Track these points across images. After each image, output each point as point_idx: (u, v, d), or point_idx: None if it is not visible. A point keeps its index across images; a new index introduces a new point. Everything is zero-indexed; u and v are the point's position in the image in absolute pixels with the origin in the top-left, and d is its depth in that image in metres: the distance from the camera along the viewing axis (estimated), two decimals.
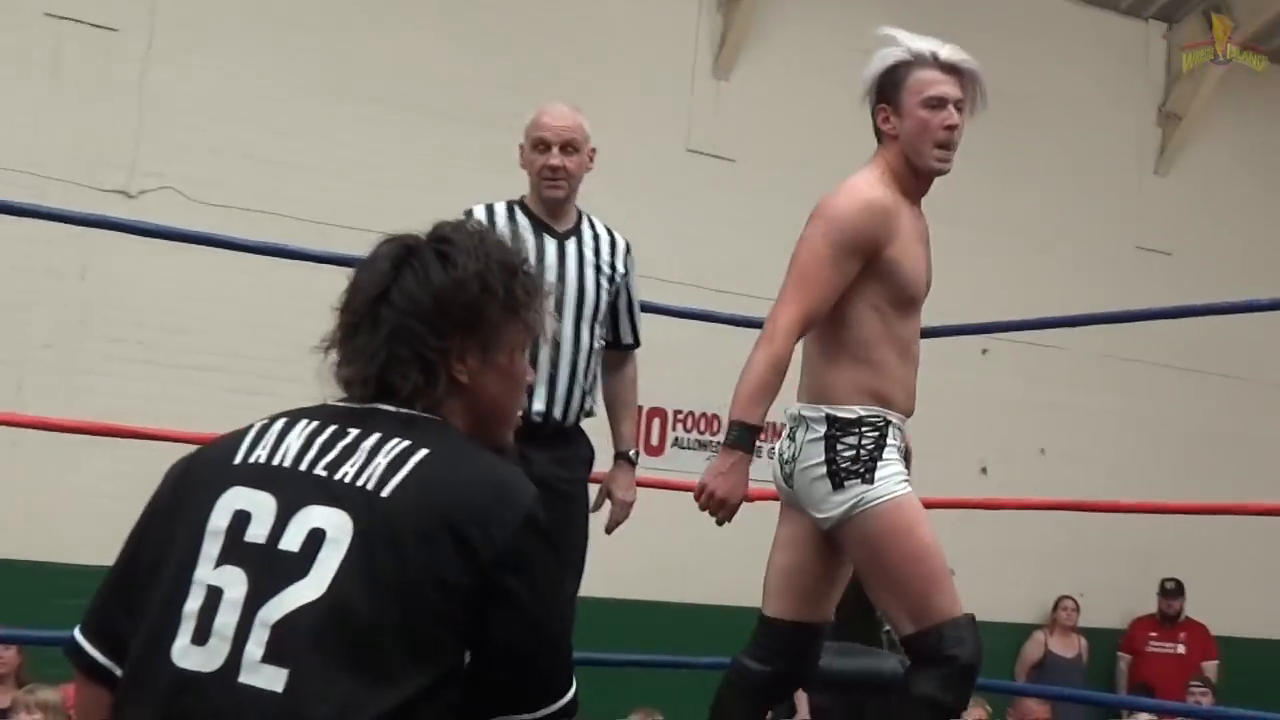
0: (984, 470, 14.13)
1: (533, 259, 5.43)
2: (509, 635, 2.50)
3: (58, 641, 7.67)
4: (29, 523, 10.63)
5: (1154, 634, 14.28)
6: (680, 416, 12.94)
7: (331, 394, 2.76)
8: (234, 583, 2.49)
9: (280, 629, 2.43)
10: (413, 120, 12.06)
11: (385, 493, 2.50)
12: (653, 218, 12.81)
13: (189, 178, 11.22)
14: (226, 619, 2.47)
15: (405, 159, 11.96)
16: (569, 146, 5.78)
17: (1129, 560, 14.38)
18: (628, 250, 5.95)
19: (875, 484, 4.64)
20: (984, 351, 13.92)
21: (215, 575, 2.51)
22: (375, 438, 2.59)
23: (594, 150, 5.92)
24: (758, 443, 4.79)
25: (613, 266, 5.82)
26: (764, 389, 4.69)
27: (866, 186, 4.71)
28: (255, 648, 2.44)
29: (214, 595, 2.49)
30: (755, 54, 13.49)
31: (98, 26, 11.12)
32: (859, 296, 4.65)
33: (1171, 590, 14.01)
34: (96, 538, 10.29)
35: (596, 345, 5.75)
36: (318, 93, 11.76)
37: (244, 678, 2.43)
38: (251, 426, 2.71)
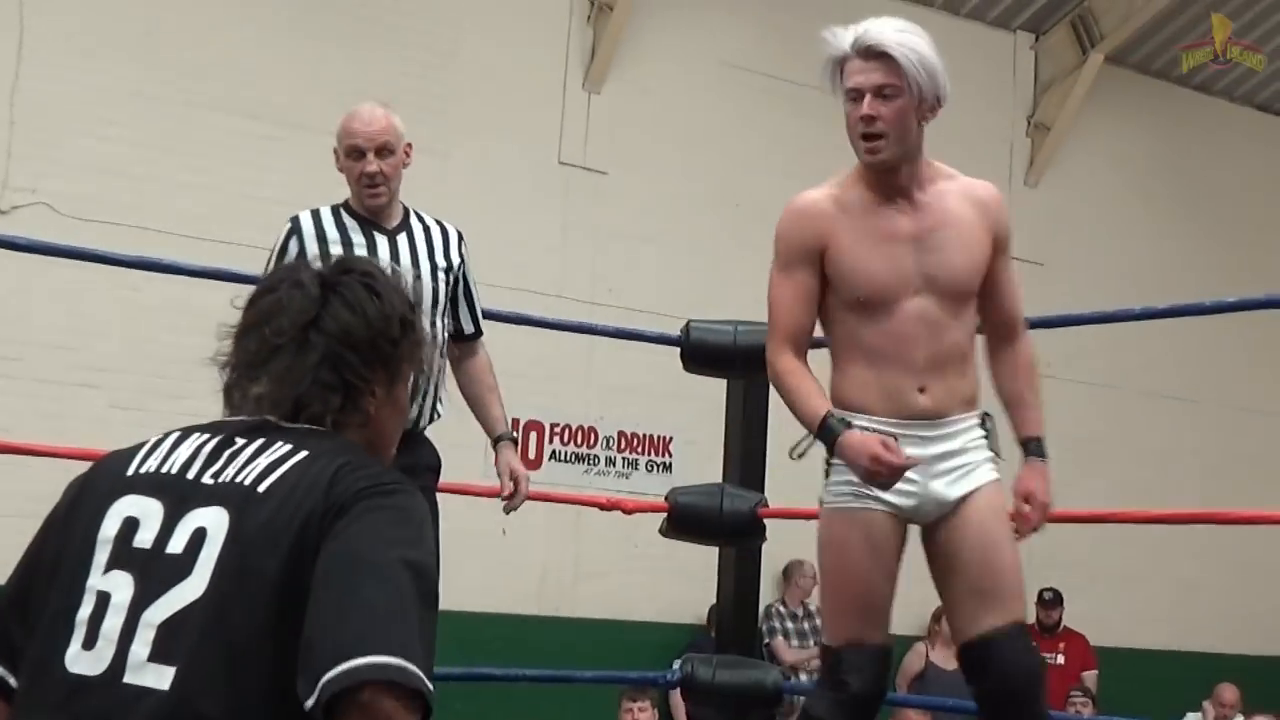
0: None
1: (362, 253, 5.50)
2: (323, 567, 2.46)
3: None
4: None
5: (1033, 644, 14.29)
6: (557, 430, 12.98)
7: (219, 410, 2.81)
8: (121, 586, 2.54)
9: (166, 628, 2.48)
10: (285, 134, 12.04)
11: (261, 488, 2.55)
12: (525, 230, 12.88)
13: (61, 193, 11.16)
14: (113, 622, 2.52)
15: (278, 174, 11.95)
16: (384, 150, 5.72)
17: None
18: (460, 239, 5.90)
19: (825, 489, 4.61)
20: None
21: (104, 581, 2.56)
22: (260, 442, 2.64)
23: (409, 145, 5.84)
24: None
25: (448, 258, 5.78)
26: (793, 395, 4.65)
27: (808, 193, 4.73)
28: (141, 648, 2.49)
29: (102, 600, 2.54)
30: (626, 67, 13.58)
31: None
32: (827, 302, 4.67)
33: (1050, 600, 14.04)
34: None
35: (440, 340, 5.66)
36: (191, 106, 11.73)
37: (129, 678, 2.47)
38: (146, 441, 2.75)
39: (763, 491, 7.19)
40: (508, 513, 5.94)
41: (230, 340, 2.81)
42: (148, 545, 2.56)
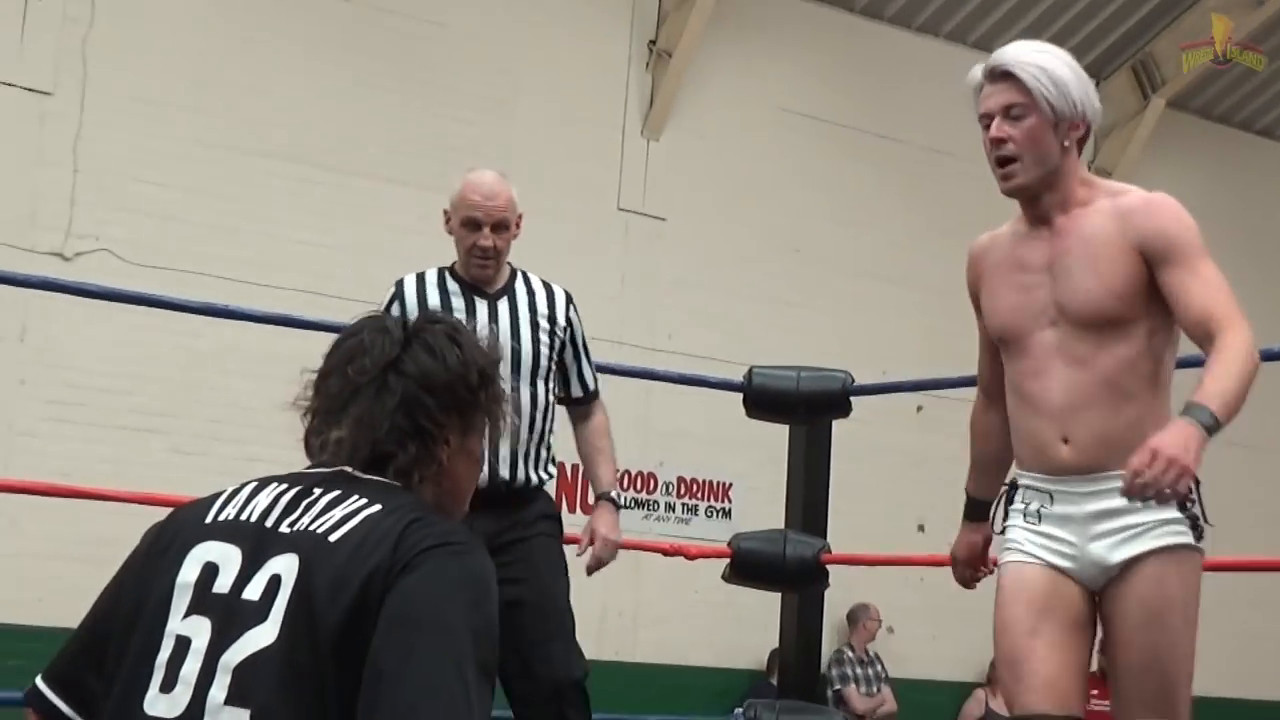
0: (921, 528, 14.20)
1: (462, 318, 5.39)
2: (385, 622, 2.49)
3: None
4: None
5: (1095, 692, 14.15)
6: (616, 475, 12.94)
7: (276, 453, 2.82)
8: (199, 631, 2.57)
9: (241, 672, 2.50)
10: (343, 182, 12.11)
11: (333, 538, 2.57)
12: (584, 276, 12.88)
13: (124, 240, 11.25)
14: (191, 666, 2.54)
15: (337, 221, 12.02)
16: (500, 226, 5.66)
17: None
18: (569, 301, 5.85)
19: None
20: (919, 409, 14.03)
21: (183, 625, 2.59)
22: (336, 494, 2.66)
23: (521, 216, 5.78)
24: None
25: (552, 320, 5.73)
26: (972, 461, 4.70)
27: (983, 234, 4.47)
28: (219, 691, 2.51)
29: (182, 644, 2.57)
30: (685, 114, 13.61)
31: (31, 90, 11.16)
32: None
33: None
34: (36, 598, 10.36)
35: (548, 402, 5.68)
36: (251, 154, 11.81)
37: None
38: (224, 490, 2.78)
39: (825, 537, 7.17)
40: (589, 573, 5.91)
41: (312, 386, 2.83)
42: (226, 590, 2.59)
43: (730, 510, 13.32)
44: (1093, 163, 15.56)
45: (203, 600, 2.59)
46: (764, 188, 13.92)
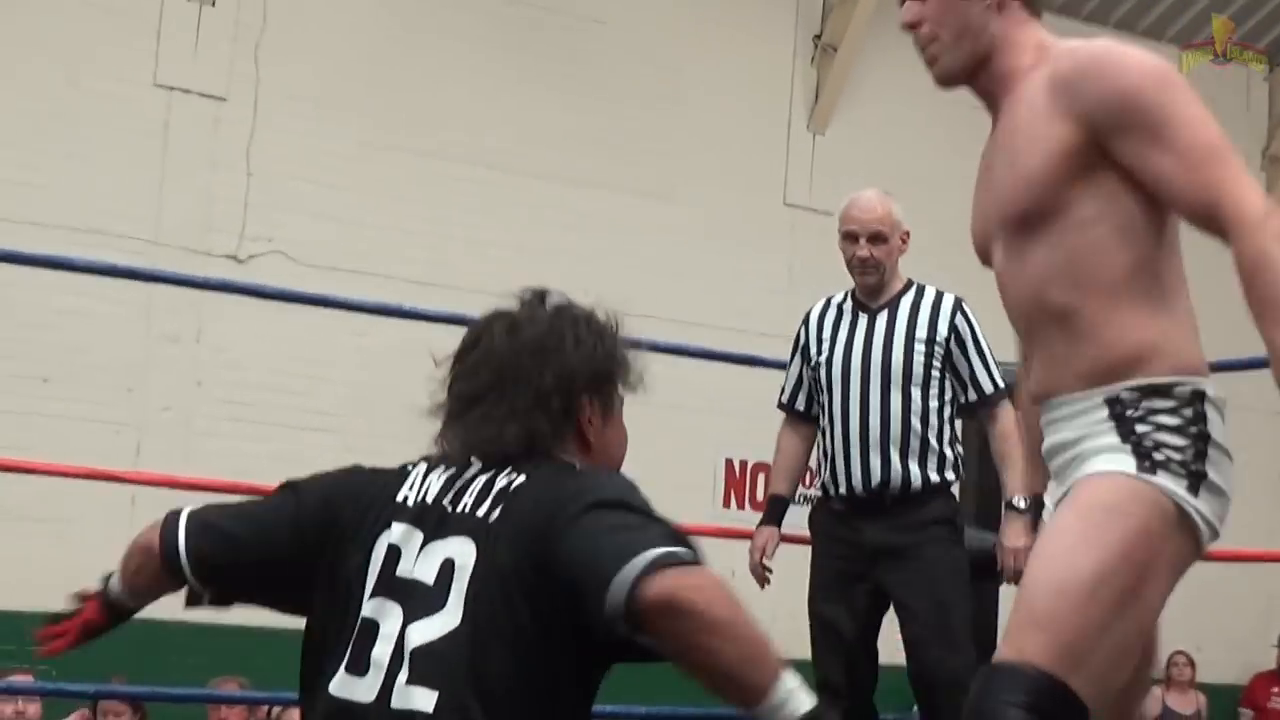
0: None
1: (845, 337, 5.87)
2: (568, 547, 2.56)
3: (182, 698, 7.85)
4: None
5: (1276, 689, 13.83)
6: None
7: (448, 446, 2.87)
8: (388, 615, 2.65)
9: (426, 655, 2.59)
10: (511, 181, 12.20)
11: (493, 518, 2.65)
12: (752, 272, 12.90)
13: (296, 241, 11.41)
14: (382, 650, 2.63)
15: (506, 219, 12.11)
16: (876, 238, 5.91)
17: (1246, 613, 14.17)
18: (955, 309, 5.92)
19: None
20: None
21: (370, 607, 2.68)
22: (492, 472, 2.74)
23: (907, 232, 6.01)
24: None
25: (931, 330, 5.83)
26: None
27: None
28: (405, 673, 2.60)
29: (368, 627, 2.66)
30: (850, 108, 13.56)
31: (206, 95, 11.35)
32: None
33: None
34: None
35: (926, 407, 5.77)
36: (420, 155, 11.93)
37: (396, 702, 2.59)
38: (404, 467, 2.86)
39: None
40: (1007, 582, 5.89)
41: (443, 385, 2.89)
42: (408, 575, 2.67)
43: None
44: (1267, 150, 15.34)
45: (387, 583, 2.67)
46: (931, 181, 13.81)
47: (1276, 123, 15.38)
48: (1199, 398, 3.18)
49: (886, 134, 13.74)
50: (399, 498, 2.77)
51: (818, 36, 13.50)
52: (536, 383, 2.78)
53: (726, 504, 12.78)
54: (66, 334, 10.70)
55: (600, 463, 2.86)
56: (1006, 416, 5.84)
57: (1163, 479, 3.10)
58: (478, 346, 2.86)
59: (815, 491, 6.08)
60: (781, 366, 8.89)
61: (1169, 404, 3.15)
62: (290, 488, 2.96)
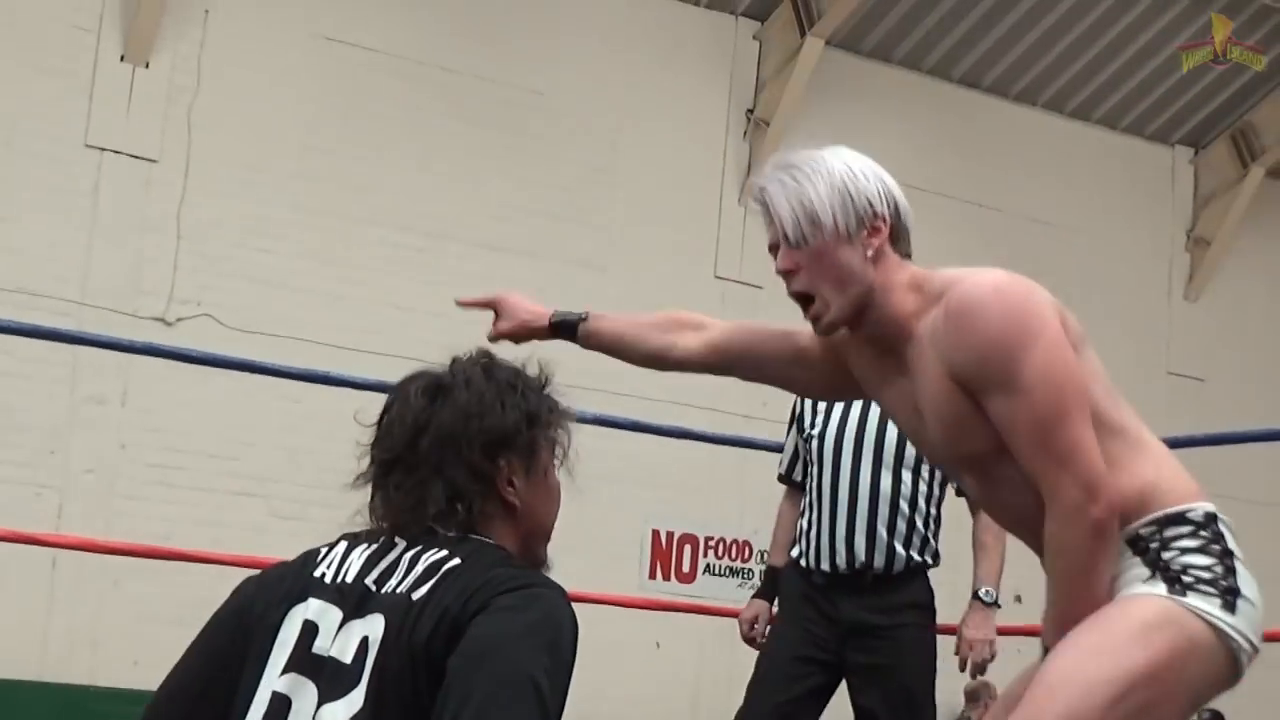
0: (1018, 598, 14.07)
1: (839, 414, 5.78)
2: (455, 663, 2.50)
3: None
4: (68, 644, 10.71)
5: None
6: (711, 543, 12.95)
7: (366, 522, 2.84)
8: (297, 691, 2.60)
9: None
10: (445, 248, 12.21)
11: (415, 596, 2.59)
12: None
13: (225, 305, 11.38)
14: None
15: (439, 287, 12.10)
16: None
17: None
18: None
19: None
20: None
21: (280, 683, 2.62)
22: (416, 549, 2.68)
23: None
24: None
25: None
26: None
27: None
28: None
29: (279, 702, 2.60)
30: None
31: (137, 157, 11.32)
32: None
33: None
34: (136, 659, 10.45)
35: (915, 490, 5.76)
36: (349, 220, 11.93)
37: None
38: (319, 548, 2.81)
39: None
40: (962, 670, 5.92)
41: (365, 451, 2.84)
42: (325, 652, 2.61)
43: None
44: (1191, 231, 15.50)
45: (302, 660, 2.61)
46: None
47: (1202, 203, 15.52)
48: (1212, 519, 3.31)
49: None
50: (317, 574, 2.72)
51: (750, 110, 13.58)
52: (452, 443, 2.74)
53: (652, 575, 12.76)
54: None
55: (528, 526, 2.81)
56: None
57: (1194, 600, 3.19)
58: (392, 409, 2.82)
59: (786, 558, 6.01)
60: (708, 439, 8.93)
61: (1186, 529, 3.27)
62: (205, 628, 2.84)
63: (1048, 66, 14.63)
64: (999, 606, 5.89)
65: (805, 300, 3.46)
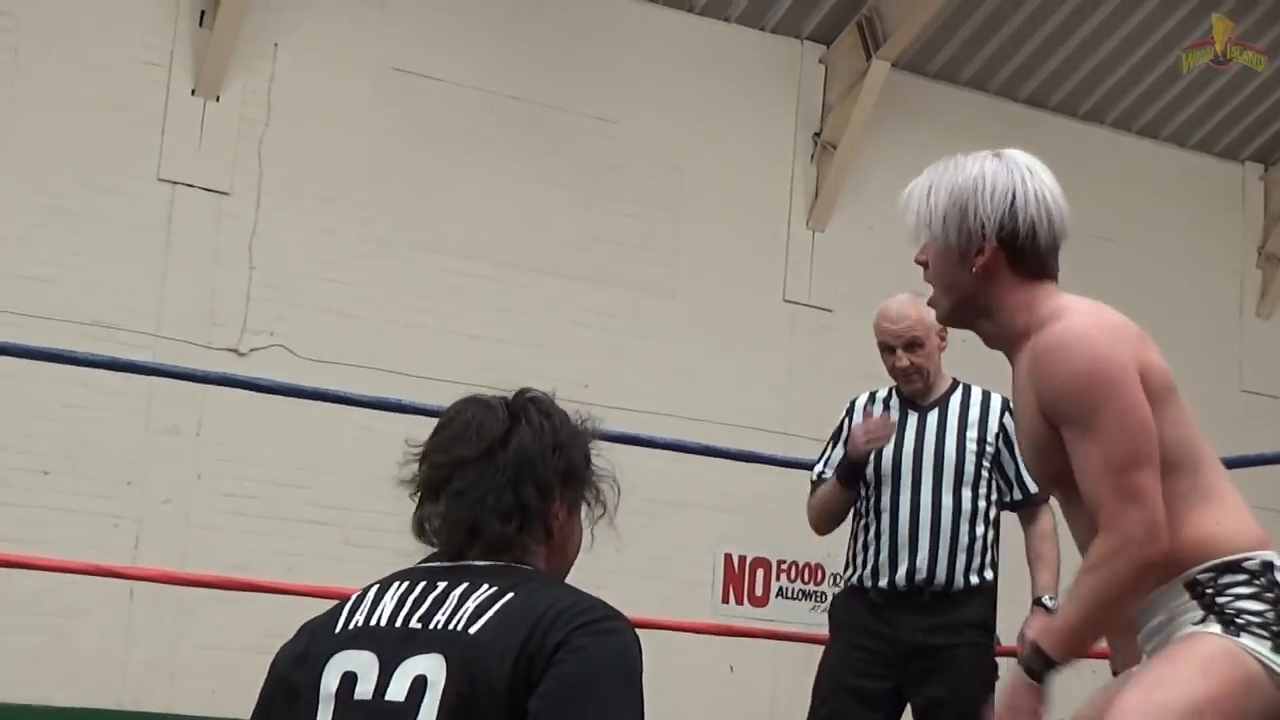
0: None
1: (900, 431, 5.83)
2: (534, 706, 2.53)
3: None
4: (147, 674, 10.79)
5: None
6: (784, 566, 12.94)
7: (422, 546, 2.87)
8: None
9: None
10: (515, 277, 12.26)
11: (474, 630, 2.61)
12: (752, 368, 12.95)
13: (297, 335, 11.45)
14: None
15: (509, 315, 12.16)
16: (912, 345, 5.93)
17: None
18: (1004, 409, 5.94)
19: None
20: None
21: None
22: (464, 586, 2.70)
23: (943, 331, 5.93)
24: None
25: (982, 429, 5.89)
26: None
27: None
28: None
29: None
30: (849, 205, 13.63)
31: (208, 190, 11.42)
32: None
33: None
34: (213, 689, 10.52)
35: (975, 508, 5.83)
36: (423, 250, 11.98)
37: None
38: (350, 598, 2.82)
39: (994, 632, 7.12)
40: None
41: (416, 463, 2.92)
42: (368, 697, 2.62)
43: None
44: (1263, 248, 15.40)
45: (346, 709, 2.62)
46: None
47: (1273, 220, 15.43)
48: (1268, 567, 3.46)
49: (885, 231, 13.80)
50: (338, 629, 2.73)
51: (818, 134, 13.58)
52: (529, 462, 2.78)
53: (725, 600, 12.76)
54: (69, 426, 10.72)
55: (557, 561, 2.85)
56: (1046, 518, 5.94)
57: (1247, 640, 3.37)
58: (461, 420, 2.88)
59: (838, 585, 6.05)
60: (781, 463, 8.93)
61: (1242, 577, 3.43)
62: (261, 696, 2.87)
63: (1115, 84, 14.58)
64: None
65: (933, 307, 3.79)
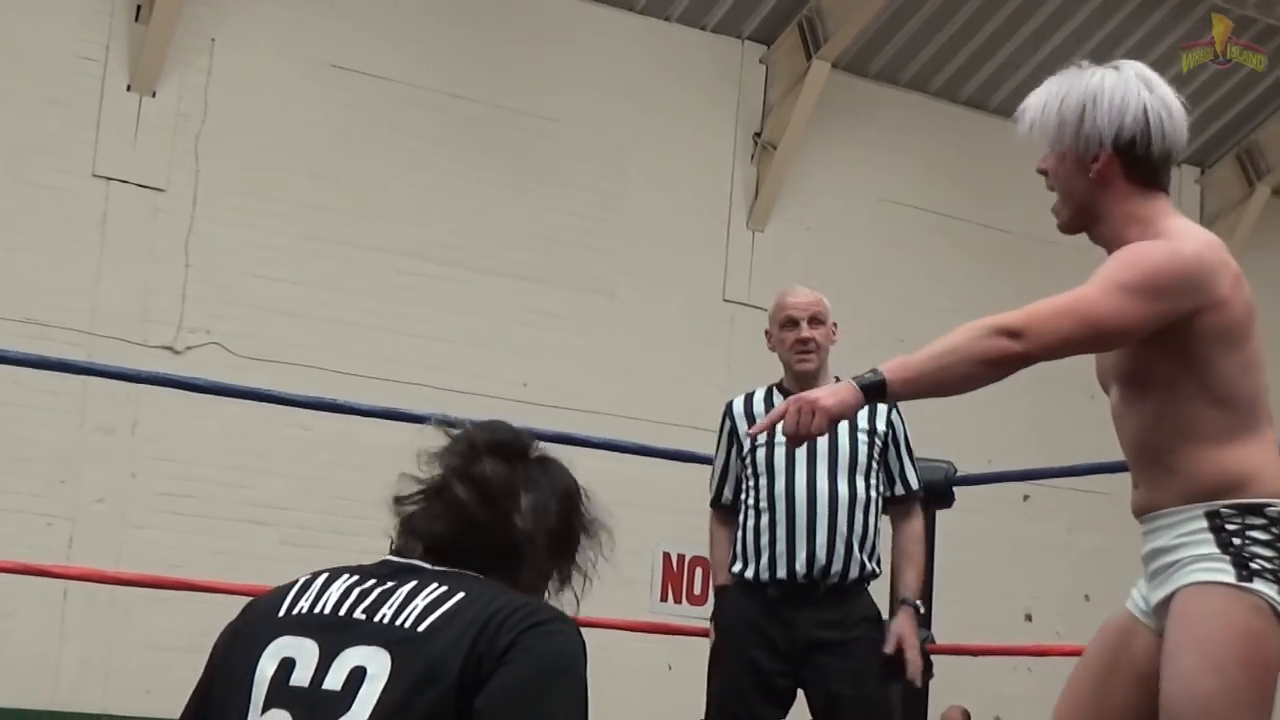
0: (1029, 617, 14.10)
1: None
2: (480, 705, 2.53)
3: None
4: (81, 674, 10.71)
5: None
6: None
7: (386, 547, 2.85)
8: None
9: None
10: (455, 275, 12.22)
11: (421, 628, 2.60)
12: (690, 367, 12.94)
13: (234, 334, 11.39)
14: None
15: (449, 314, 12.12)
16: (815, 320, 5.99)
17: None
18: (891, 406, 5.97)
19: None
20: (1026, 498, 13.94)
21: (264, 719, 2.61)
22: (413, 584, 2.68)
23: (836, 325, 6.08)
24: None
25: (871, 422, 5.91)
26: None
27: None
28: None
29: None
30: (789, 205, 13.65)
31: (144, 186, 11.34)
32: None
33: None
34: (148, 689, 10.45)
35: (868, 497, 5.85)
36: (362, 248, 11.94)
37: None
38: (296, 581, 2.79)
39: (930, 627, 7.12)
40: (913, 683, 6.01)
41: (412, 482, 2.84)
42: (304, 684, 2.60)
43: None
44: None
45: (281, 694, 2.60)
46: (869, 278, 13.92)
47: (1208, 222, 15.47)
48: None
49: (825, 231, 13.84)
50: (282, 613, 2.71)
51: (758, 134, 13.60)
52: (496, 506, 2.77)
53: (664, 598, 12.76)
54: (1, 425, 10.63)
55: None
56: (919, 520, 6.08)
57: (1260, 585, 3.55)
58: (452, 457, 2.83)
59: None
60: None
61: (1262, 521, 3.59)
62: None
63: None
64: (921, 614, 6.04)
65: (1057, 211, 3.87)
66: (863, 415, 5.85)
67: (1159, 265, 3.63)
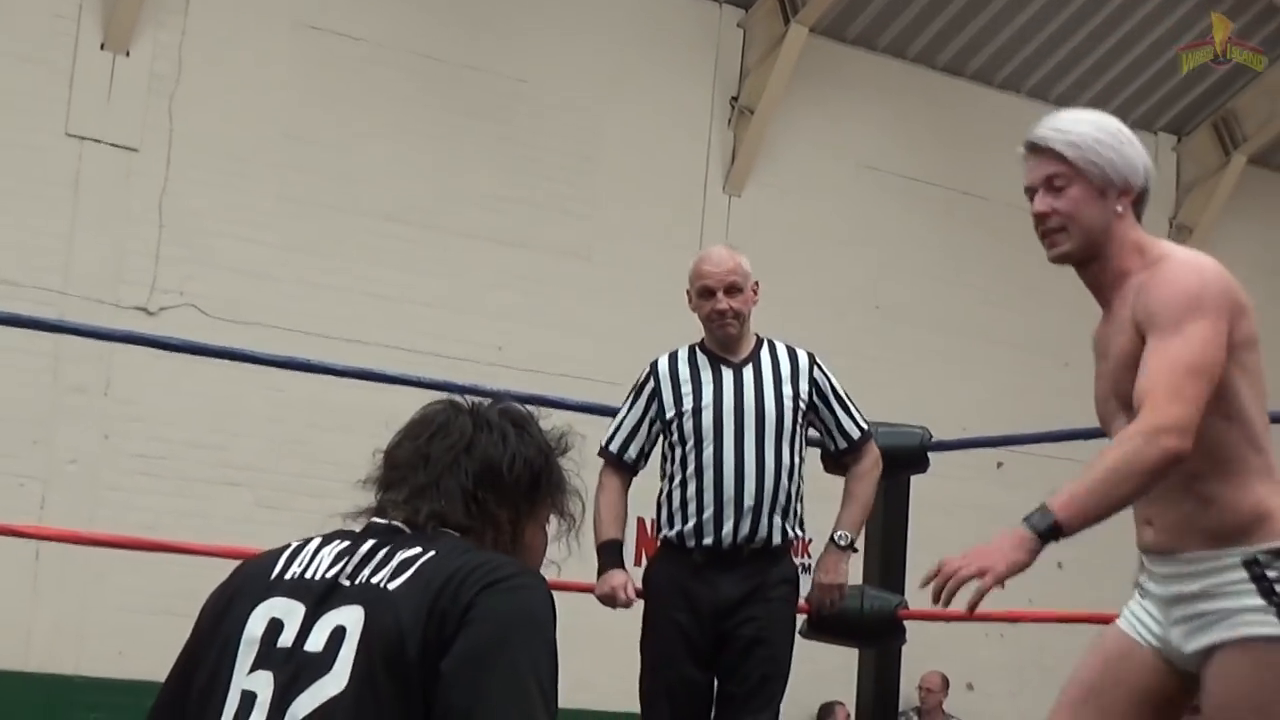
0: (1001, 584, 14.11)
1: (712, 389, 5.90)
2: (452, 671, 2.56)
3: None
4: (53, 636, 10.69)
5: None
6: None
7: (350, 508, 2.85)
8: (264, 685, 2.62)
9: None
10: (428, 238, 12.19)
11: (392, 586, 2.64)
12: (667, 331, 12.90)
13: (208, 295, 11.35)
14: (258, 718, 2.59)
15: (422, 276, 12.09)
16: (732, 289, 6.02)
17: None
18: (812, 363, 6.10)
19: None
20: (999, 465, 13.95)
21: (248, 681, 2.64)
22: (391, 545, 2.72)
23: (757, 284, 6.12)
24: None
25: (795, 383, 5.98)
26: None
27: None
28: None
29: (247, 699, 2.62)
30: (766, 170, 13.63)
31: (117, 146, 11.28)
32: None
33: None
34: (121, 650, 10.43)
35: (793, 463, 5.90)
36: (334, 210, 11.90)
37: None
38: (289, 545, 2.83)
39: (903, 593, 7.14)
40: (816, 616, 6.29)
41: (384, 456, 2.89)
42: (289, 645, 2.64)
43: (810, 565, 13.29)
44: (1174, 219, 15.51)
45: (268, 655, 2.64)
46: (845, 244, 13.92)
47: (1184, 191, 15.54)
48: None
49: (801, 195, 13.82)
50: (274, 575, 2.75)
51: (735, 98, 13.57)
52: (470, 470, 2.82)
53: (638, 562, 12.73)
54: None
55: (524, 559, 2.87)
56: (870, 457, 6.15)
57: None
58: (417, 429, 2.88)
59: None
60: None
61: None
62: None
63: (1031, 54, 14.64)
64: (855, 550, 6.19)
65: (1053, 232, 3.92)
66: (786, 378, 5.97)
67: (1199, 286, 3.73)
